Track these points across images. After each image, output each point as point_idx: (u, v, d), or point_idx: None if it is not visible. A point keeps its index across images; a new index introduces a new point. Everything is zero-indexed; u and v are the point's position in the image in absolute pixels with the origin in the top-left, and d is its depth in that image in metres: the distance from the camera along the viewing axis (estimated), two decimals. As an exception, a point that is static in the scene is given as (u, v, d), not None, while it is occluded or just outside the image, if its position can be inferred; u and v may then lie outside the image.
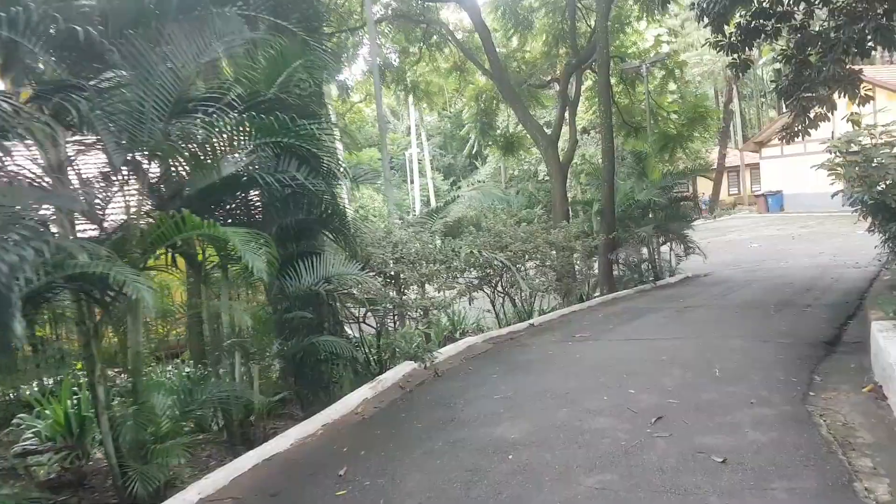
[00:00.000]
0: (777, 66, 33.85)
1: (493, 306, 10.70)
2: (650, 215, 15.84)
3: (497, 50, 19.94)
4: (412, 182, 33.06)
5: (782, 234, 24.61)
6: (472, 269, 10.04)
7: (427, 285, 9.50)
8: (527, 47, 20.79)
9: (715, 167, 31.39)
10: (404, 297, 8.30)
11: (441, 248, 8.76)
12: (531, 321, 10.41)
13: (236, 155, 5.79)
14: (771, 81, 30.84)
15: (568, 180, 29.47)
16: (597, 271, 14.29)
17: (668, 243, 16.21)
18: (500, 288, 10.56)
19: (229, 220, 5.79)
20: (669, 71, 19.13)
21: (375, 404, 6.44)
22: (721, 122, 25.60)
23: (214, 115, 5.20)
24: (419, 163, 35.48)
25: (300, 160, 5.94)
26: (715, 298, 11.56)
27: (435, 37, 20.03)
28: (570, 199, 15.93)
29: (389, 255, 7.47)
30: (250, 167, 5.57)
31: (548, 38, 19.29)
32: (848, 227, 24.75)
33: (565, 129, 17.80)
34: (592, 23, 16.29)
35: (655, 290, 13.72)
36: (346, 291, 6.85)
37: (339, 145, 30.68)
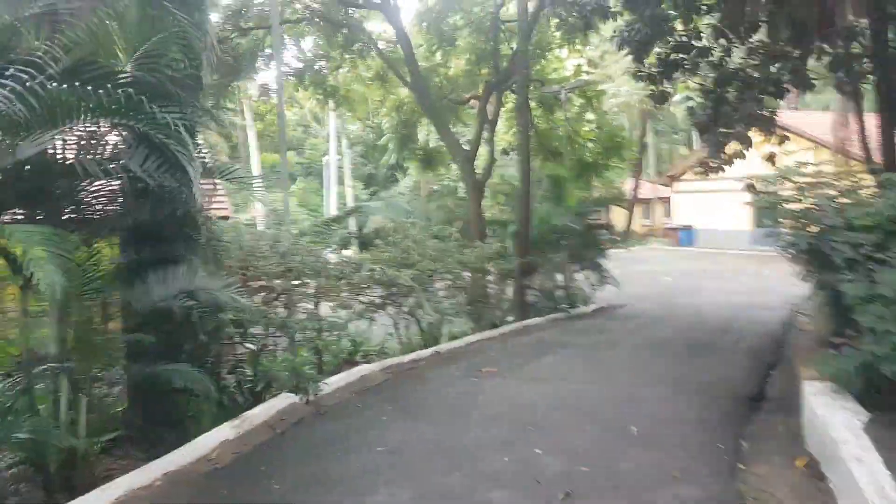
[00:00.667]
0: (691, 103, 34.72)
1: (397, 329, 9.68)
2: (566, 241, 15.33)
3: (420, 64, 19.23)
4: (328, 189, 31.60)
5: (694, 268, 24.90)
6: (375, 286, 9.02)
7: (326, 303, 8.44)
8: (450, 64, 20.14)
9: (629, 198, 31.76)
10: (290, 317, 7.18)
11: (340, 262, 7.69)
12: (437, 348, 9.46)
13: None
14: (689, 114, 31.71)
15: (487, 199, 28.79)
16: (511, 295, 13.55)
17: (584, 271, 15.74)
18: (405, 309, 9.56)
19: (43, 216, 4.52)
20: (588, 99, 18.88)
21: (236, 448, 5.29)
22: (636, 154, 25.82)
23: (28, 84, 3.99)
24: (339, 170, 34.18)
25: (154, 150, 4.79)
26: (629, 334, 11.00)
27: (357, 44, 19.06)
28: (487, 219, 15.20)
29: (274, 268, 6.34)
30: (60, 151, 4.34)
31: (471, 58, 18.72)
32: (756, 265, 25.44)
33: (486, 149, 17.20)
34: (514, 45, 15.79)
35: (569, 321, 13.11)
36: (210, 310, 5.65)
37: (252, 143, 28.86)
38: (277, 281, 6.35)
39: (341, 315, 7.74)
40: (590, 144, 20.08)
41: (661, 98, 15.13)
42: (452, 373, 7.86)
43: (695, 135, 47.75)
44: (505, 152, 29.42)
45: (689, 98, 34.31)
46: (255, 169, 29.53)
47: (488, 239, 14.99)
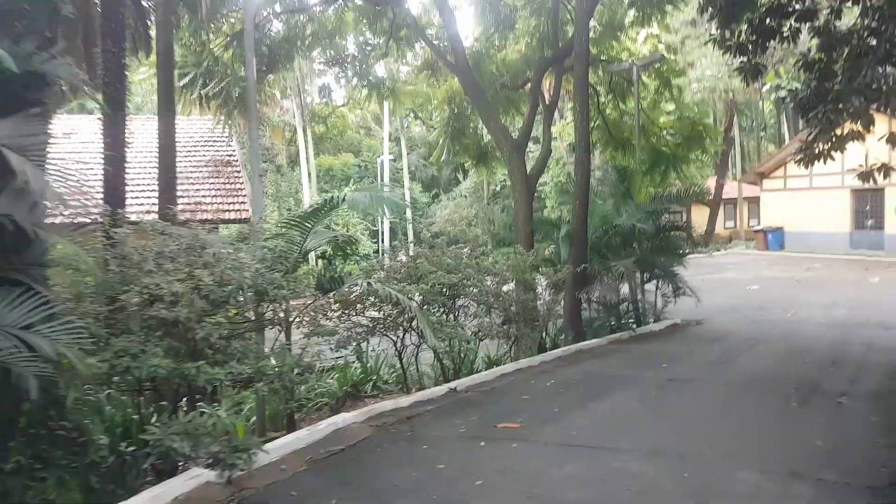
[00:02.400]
0: (782, 93, 30.90)
1: (400, 359, 7.51)
2: (633, 245, 12.75)
3: (474, 48, 17.07)
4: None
5: (784, 276, 21.48)
6: (367, 307, 6.90)
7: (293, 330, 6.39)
8: (509, 48, 17.87)
9: (712, 196, 28.37)
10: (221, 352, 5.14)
11: (306, 274, 5.61)
12: (455, 384, 7.24)
13: None
14: (785, 98, 27.88)
15: (550, 199, 26.01)
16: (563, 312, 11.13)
17: (654, 280, 13.10)
18: (410, 334, 7.38)
19: None
20: (665, 80, 16.08)
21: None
22: (722, 145, 22.65)
23: None
24: (397, 172, 32.48)
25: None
26: (710, 366, 8.41)
27: (404, 30, 17.10)
28: (537, 219, 12.83)
29: (177, 286, 4.30)
30: None
31: (530, 42, 16.36)
32: (859, 273, 21.73)
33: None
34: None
35: (634, 343, 10.55)
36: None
37: (303, 147, 27.25)
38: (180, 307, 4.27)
39: (310, 346, 5.63)
40: (667, 135, 17.28)
41: (754, 72, 12.20)
42: (458, 428, 5.61)
43: (786, 129, 43.26)
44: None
45: (779, 87, 30.58)
46: (306, 173, 27.98)
47: (538, 244, 12.65)
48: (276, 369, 4.92)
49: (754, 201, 38.11)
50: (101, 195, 8.56)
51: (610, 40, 16.40)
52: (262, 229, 5.97)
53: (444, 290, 7.39)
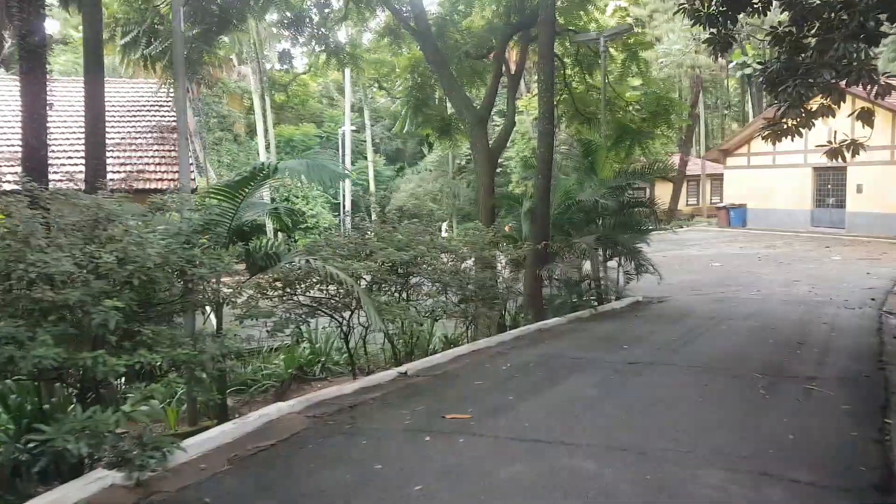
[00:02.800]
0: (748, 70, 30.67)
1: (347, 342, 6.97)
2: (596, 222, 12.36)
3: (438, 13, 16.34)
4: (343, 163, 28.80)
5: (747, 252, 21.49)
6: (311, 286, 6.32)
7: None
8: (475, 15, 17.13)
9: (675, 172, 28.23)
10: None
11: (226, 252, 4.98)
12: (406, 367, 6.75)
13: None
14: (752, 74, 27.53)
15: (515, 174, 25.52)
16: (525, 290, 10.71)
17: (617, 258, 12.76)
18: (358, 314, 6.84)
19: None
20: (632, 52, 15.59)
21: None
22: (688, 119, 22.36)
23: None
24: (360, 144, 31.48)
25: None
26: (673, 347, 8.06)
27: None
28: (500, 195, 12.32)
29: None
30: None
31: (497, 9, 15.68)
32: (820, 250, 21.83)
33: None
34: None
35: (594, 322, 10.19)
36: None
37: (259, 115, 26.15)
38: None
39: (232, 330, 5.05)
40: (633, 110, 16.86)
41: (724, 45, 11.74)
42: (403, 419, 5.12)
43: (750, 108, 43.39)
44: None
45: (745, 65, 30.35)
46: (263, 143, 26.82)
47: (501, 219, 12.17)
48: (195, 356, 4.34)
49: (717, 179, 38.28)
50: (22, 160, 7.80)
51: (578, 10, 15.84)
52: (188, 199, 5.32)
53: (396, 268, 6.84)
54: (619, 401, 5.72)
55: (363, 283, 5.95)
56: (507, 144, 34.44)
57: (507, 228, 11.51)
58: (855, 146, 11.24)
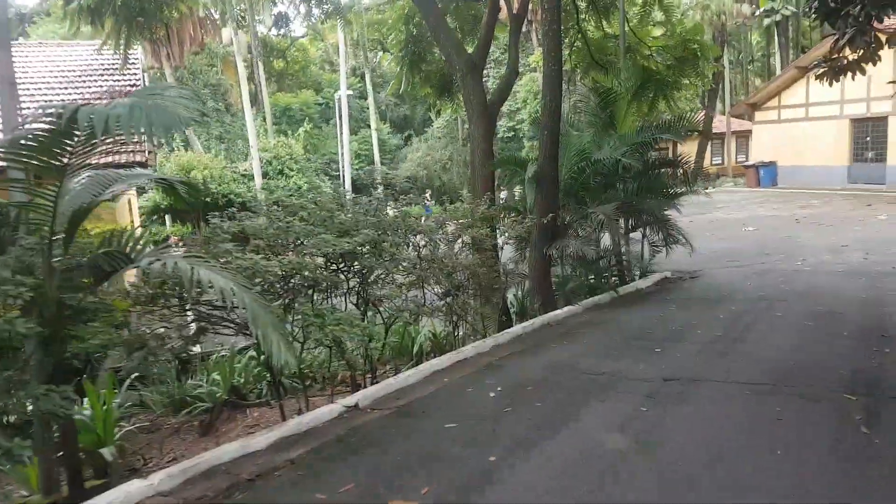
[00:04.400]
0: (777, 16, 27.57)
1: (270, 369, 5.05)
2: (616, 186, 10.23)
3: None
4: (341, 132, 26.37)
5: (781, 214, 19.10)
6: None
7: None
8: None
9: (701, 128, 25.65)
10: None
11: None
12: (355, 399, 4.82)
13: None
14: (780, 20, 24.70)
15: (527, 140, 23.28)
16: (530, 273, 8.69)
17: (642, 228, 10.65)
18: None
19: None
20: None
21: None
22: (720, 65, 19.77)
23: None
24: (364, 111, 29.20)
25: None
26: (719, 346, 6.01)
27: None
28: (500, 158, 10.20)
29: None
30: None
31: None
32: (861, 209, 19.35)
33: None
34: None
35: (616, 309, 8.16)
36: None
37: (244, 80, 23.67)
38: None
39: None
40: (656, 55, 14.50)
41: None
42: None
43: (778, 60, 40.07)
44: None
45: (773, 11, 27.25)
46: (250, 111, 24.65)
47: (503, 187, 10.09)
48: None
49: (742, 136, 35.47)
50: None
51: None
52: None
53: (336, 261, 4.87)
54: (660, 457, 3.72)
55: (248, 296, 3.99)
56: (519, 105, 31.97)
57: (508, 197, 9.51)
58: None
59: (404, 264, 5.50)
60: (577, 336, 6.74)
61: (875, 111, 22.04)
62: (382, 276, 5.50)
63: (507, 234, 8.72)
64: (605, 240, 10.11)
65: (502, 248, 8.27)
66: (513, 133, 30.60)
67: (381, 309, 5.59)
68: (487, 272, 7.17)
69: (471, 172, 9.68)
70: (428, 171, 29.23)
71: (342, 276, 5.05)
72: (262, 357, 6.47)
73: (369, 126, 30.42)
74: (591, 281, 9.64)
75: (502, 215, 9.73)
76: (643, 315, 7.74)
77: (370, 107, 30.19)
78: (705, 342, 6.26)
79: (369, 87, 30.67)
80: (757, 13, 29.73)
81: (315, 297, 4.81)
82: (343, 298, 5.30)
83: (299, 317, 4.30)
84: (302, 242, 4.64)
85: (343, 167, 25.41)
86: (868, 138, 22.90)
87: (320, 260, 4.98)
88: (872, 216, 17.25)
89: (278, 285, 4.34)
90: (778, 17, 28.13)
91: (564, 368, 5.52)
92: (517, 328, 7.12)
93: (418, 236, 5.97)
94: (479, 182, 9.30)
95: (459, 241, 7.01)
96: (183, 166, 20.88)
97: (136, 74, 13.10)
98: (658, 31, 13.94)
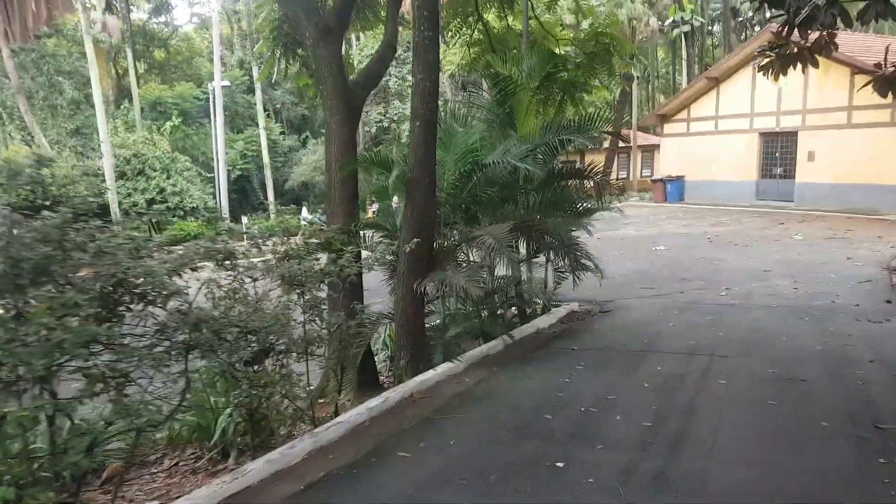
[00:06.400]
0: (685, 27, 26.67)
1: None
2: (517, 199, 8.04)
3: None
4: (215, 128, 22.77)
5: (692, 232, 17.76)
6: None
7: None
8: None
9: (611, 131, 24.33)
10: None
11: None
12: None
13: None
14: (688, 31, 23.69)
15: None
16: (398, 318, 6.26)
17: (548, 252, 8.51)
18: None
19: None
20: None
21: None
22: (633, 63, 18.30)
23: None
24: (252, 107, 25.76)
25: None
26: (654, 461, 3.80)
27: None
28: (364, 159, 7.73)
29: None
30: None
31: None
32: (774, 227, 18.28)
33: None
34: None
35: (508, 368, 5.88)
36: None
37: (93, 64, 20.01)
38: None
39: None
40: (564, 50, 12.61)
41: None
42: None
43: (684, 77, 40.00)
44: (457, 82, 21.80)
45: (683, 21, 26.35)
46: (100, 101, 20.95)
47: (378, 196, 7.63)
48: None
49: (648, 150, 34.88)
50: None
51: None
52: None
53: None
54: None
55: None
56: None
57: (370, 213, 7.13)
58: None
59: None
60: (446, 426, 4.36)
61: (785, 125, 21.34)
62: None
63: (371, 262, 6.27)
64: (501, 270, 7.88)
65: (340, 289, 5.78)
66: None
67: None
68: (315, 326, 4.67)
69: (327, 175, 7.15)
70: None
71: None
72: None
73: (257, 124, 27.16)
74: (482, 322, 7.34)
75: (372, 234, 7.34)
76: (542, 382, 5.48)
77: (258, 102, 26.93)
78: (630, 447, 4.03)
79: (256, 76, 27.37)
80: (667, 22, 28.93)
81: None
82: None
83: None
84: None
85: (218, 167, 21.99)
86: (777, 153, 22.23)
87: None
88: (787, 236, 16.13)
89: None
90: (686, 28, 27.44)
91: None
92: (360, 410, 4.65)
93: (181, 277, 3.45)
94: (336, 188, 6.80)
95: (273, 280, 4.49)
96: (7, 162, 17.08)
97: None
98: (569, 18, 12.12)
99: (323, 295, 4.56)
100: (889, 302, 8.65)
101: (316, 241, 4.95)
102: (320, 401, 5.69)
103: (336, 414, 4.68)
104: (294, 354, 4.62)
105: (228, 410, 4.59)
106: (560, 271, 8.80)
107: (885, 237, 14.83)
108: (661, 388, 5.24)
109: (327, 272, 4.78)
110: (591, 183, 9.13)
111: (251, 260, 4.30)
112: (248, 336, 3.86)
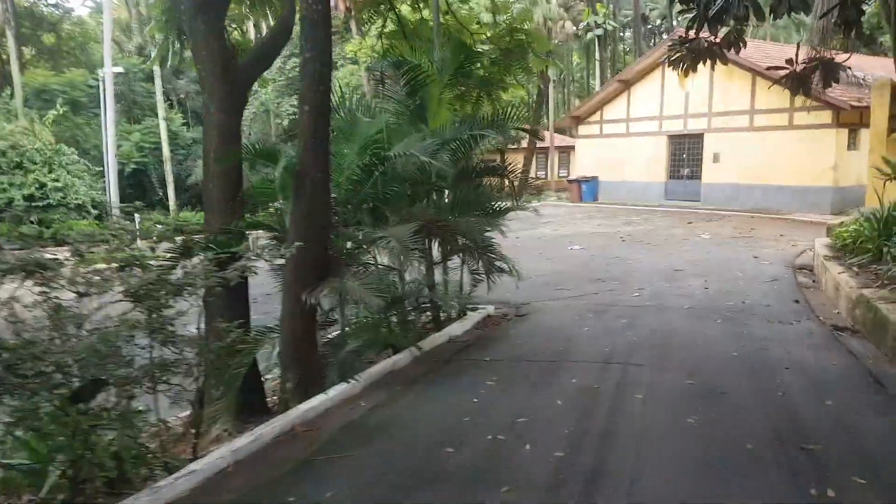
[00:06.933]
0: (599, 31, 26.99)
1: None
2: (429, 197, 7.41)
3: None
4: (105, 117, 20.67)
5: (606, 231, 17.77)
6: None
7: None
8: None
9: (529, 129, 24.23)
10: None
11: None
12: None
13: None
14: (602, 34, 24.05)
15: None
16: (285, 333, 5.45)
17: (461, 255, 7.92)
18: None
19: None
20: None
21: None
22: (549, 60, 18.09)
23: None
24: (150, 95, 23.68)
25: None
26: (567, 480, 3.23)
27: None
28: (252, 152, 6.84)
29: None
30: None
31: None
32: (682, 226, 18.57)
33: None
34: None
35: (411, 390, 5.22)
36: None
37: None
38: None
39: None
40: (479, 45, 12.05)
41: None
42: None
43: (597, 81, 40.81)
44: (373, 76, 20.91)
45: (597, 25, 26.60)
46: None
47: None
48: None
49: (564, 151, 35.26)
50: None
51: None
52: None
53: None
54: None
55: None
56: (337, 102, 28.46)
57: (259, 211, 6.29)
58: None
59: None
60: (327, 472, 3.62)
61: (692, 128, 21.88)
62: None
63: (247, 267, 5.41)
64: (409, 272, 7.20)
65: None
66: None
67: None
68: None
69: (203, 167, 6.22)
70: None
71: None
72: None
73: (156, 114, 25.18)
74: (389, 331, 6.64)
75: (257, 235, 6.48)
76: (448, 404, 4.84)
77: (157, 91, 24.97)
78: (541, 486, 3.44)
79: (157, 68, 25.46)
80: (581, 26, 29.23)
81: None
82: None
83: None
84: None
85: (107, 160, 20.00)
86: (685, 155, 22.77)
87: None
88: (695, 235, 16.36)
89: None
90: (600, 32, 27.82)
91: None
92: (223, 453, 3.83)
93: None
94: (215, 182, 5.89)
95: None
96: None
97: None
98: (486, 17, 11.64)
99: (173, 312, 3.71)
100: (797, 302, 8.65)
101: (173, 244, 4.09)
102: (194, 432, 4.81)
103: (195, 457, 3.84)
104: (142, 386, 3.76)
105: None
106: (476, 273, 8.26)
107: (787, 236, 15.26)
108: (575, 407, 4.72)
109: (189, 282, 3.95)
110: (508, 182, 8.65)
111: (80, 270, 3.40)
112: (65, 369, 2.99)
